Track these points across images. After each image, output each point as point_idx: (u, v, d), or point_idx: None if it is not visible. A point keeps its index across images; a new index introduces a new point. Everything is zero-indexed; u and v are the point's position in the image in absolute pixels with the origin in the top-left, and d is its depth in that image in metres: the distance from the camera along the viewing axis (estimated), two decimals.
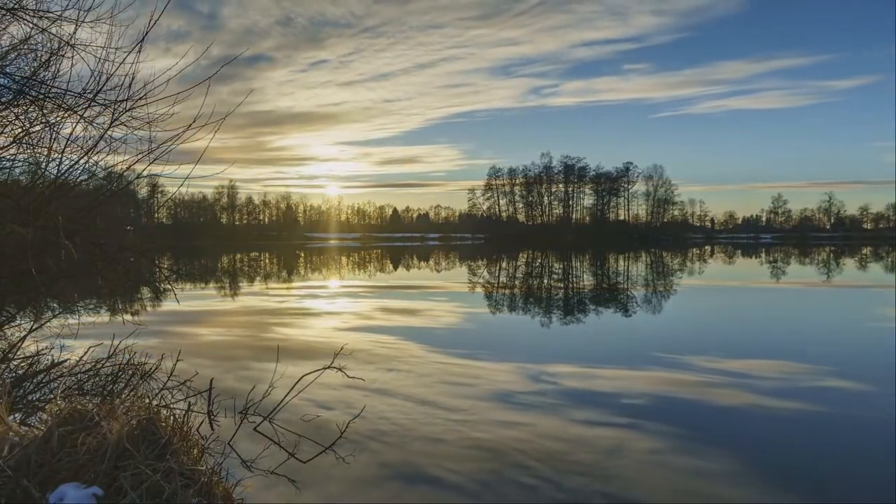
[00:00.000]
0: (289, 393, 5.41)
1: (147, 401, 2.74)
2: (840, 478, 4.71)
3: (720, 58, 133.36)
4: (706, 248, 69.20)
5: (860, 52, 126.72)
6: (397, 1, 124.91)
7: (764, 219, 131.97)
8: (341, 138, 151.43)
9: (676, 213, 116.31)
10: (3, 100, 5.04)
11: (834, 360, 8.65)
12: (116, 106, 4.73)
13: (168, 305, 14.89)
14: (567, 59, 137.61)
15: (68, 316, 7.38)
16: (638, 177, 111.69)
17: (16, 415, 4.35)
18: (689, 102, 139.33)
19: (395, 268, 34.29)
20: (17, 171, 5.94)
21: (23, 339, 6.07)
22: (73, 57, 4.87)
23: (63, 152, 4.92)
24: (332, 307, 15.43)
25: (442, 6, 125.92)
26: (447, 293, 19.31)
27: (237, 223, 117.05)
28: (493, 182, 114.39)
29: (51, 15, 4.92)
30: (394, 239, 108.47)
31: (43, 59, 5.10)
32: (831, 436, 5.66)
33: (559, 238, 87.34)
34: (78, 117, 4.83)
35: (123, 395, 2.75)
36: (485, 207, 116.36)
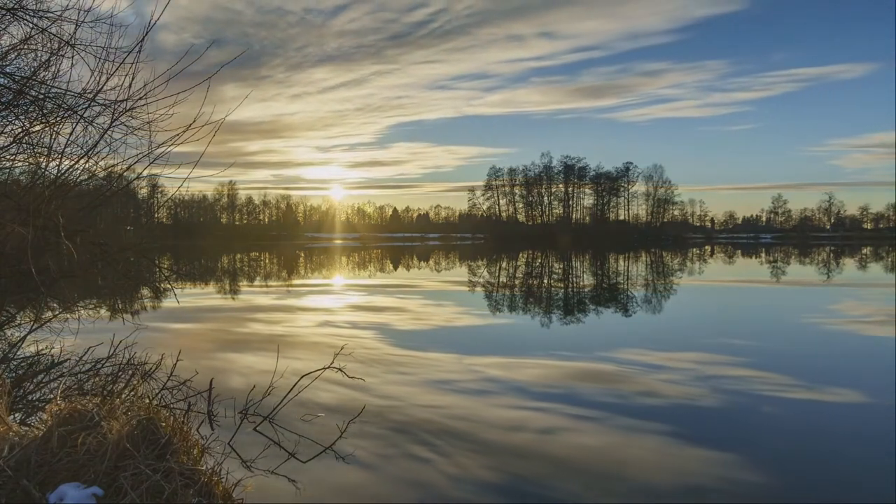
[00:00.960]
0: (289, 393, 5.41)
1: (147, 401, 2.74)
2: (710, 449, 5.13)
3: (623, 74, 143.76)
4: (706, 248, 69.19)
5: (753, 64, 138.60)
6: (309, 25, 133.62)
7: (764, 219, 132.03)
8: (309, 144, 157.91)
9: (676, 213, 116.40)
10: (3, 100, 5.05)
11: (761, 355, 9.05)
12: (116, 106, 4.73)
13: (168, 305, 14.89)
14: (490, 74, 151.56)
15: (68, 316, 7.38)
16: (638, 177, 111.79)
17: (16, 415, 4.35)
18: (612, 110, 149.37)
19: (396, 268, 34.29)
20: (17, 171, 5.95)
21: (23, 339, 6.07)
22: (73, 57, 4.87)
23: (63, 152, 4.92)
24: (331, 307, 15.43)
25: (352, 30, 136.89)
26: (447, 293, 19.33)
27: (237, 223, 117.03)
28: (494, 182, 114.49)
29: (51, 15, 4.93)
30: (394, 239, 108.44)
31: (43, 59, 5.10)
32: (718, 417, 6.10)
33: (557, 238, 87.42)
34: (78, 117, 4.83)
35: (123, 395, 2.75)
36: (485, 207, 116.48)
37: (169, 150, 4.90)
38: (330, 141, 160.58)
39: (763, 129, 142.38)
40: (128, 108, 4.75)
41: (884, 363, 8.72)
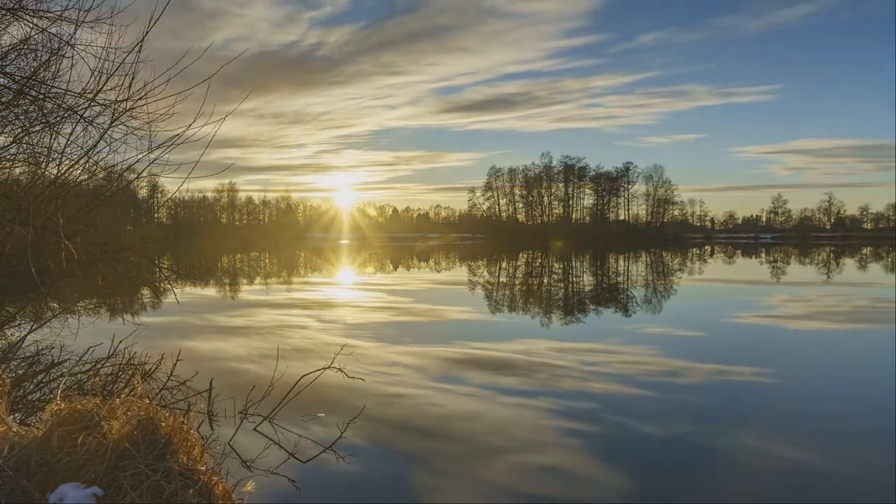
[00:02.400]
0: (289, 393, 5.41)
1: (147, 401, 2.74)
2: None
3: (506, 93, 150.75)
4: (706, 247, 69.16)
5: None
6: (206, 55, 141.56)
7: (764, 219, 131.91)
8: (264, 153, 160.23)
9: (676, 213, 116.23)
10: (3, 100, 5.04)
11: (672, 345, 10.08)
12: (116, 106, 4.73)
13: (168, 305, 14.89)
14: (387, 94, 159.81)
15: (68, 316, 7.39)
16: (638, 177, 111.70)
17: (16, 415, 4.35)
18: (517, 120, 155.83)
19: (395, 268, 34.29)
20: (17, 171, 5.95)
21: (23, 339, 6.07)
22: (73, 57, 4.87)
23: (63, 152, 4.92)
24: (331, 306, 15.43)
25: (246, 58, 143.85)
26: (448, 293, 19.35)
27: (237, 223, 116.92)
28: (493, 182, 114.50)
29: (51, 15, 4.92)
30: (394, 238, 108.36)
31: (43, 59, 5.10)
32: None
33: (553, 239, 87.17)
34: (78, 117, 4.83)
35: (123, 395, 2.74)
36: (485, 207, 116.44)
37: (169, 150, 4.90)
38: (283, 151, 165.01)
39: (678, 141, 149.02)
40: (128, 108, 4.74)
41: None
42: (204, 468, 2.50)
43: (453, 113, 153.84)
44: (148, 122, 4.90)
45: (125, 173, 5.34)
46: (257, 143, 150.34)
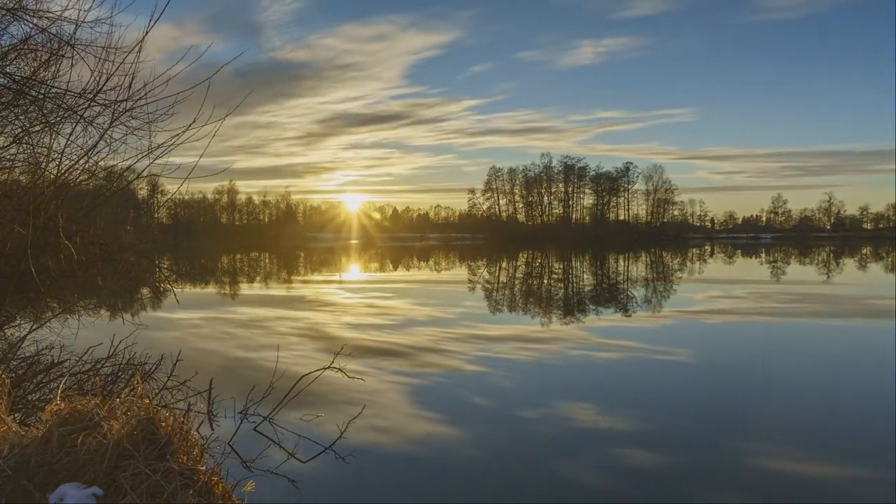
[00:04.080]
0: (289, 393, 5.41)
1: (147, 401, 2.74)
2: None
3: (404, 108, 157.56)
4: (706, 247, 69.15)
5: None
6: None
7: (764, 219, 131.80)
8: (234, 163, 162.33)
9: (676, 213, 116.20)
10: (3, 100, 5.04)
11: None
12: (116, 106, 4.73)
13: (168, 305, 14.88)
14: (296, 114, 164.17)
15: (68, 316, 7.38)
16: (638, 177, 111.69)
17: (16, 415, 4.35)
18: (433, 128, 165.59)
19: (395, 268, 34.29)
20: (17, 171, 5.94)
21: (23, 339, 6.07)
22: (73, 57, 4.87)
23: (63, 152, 4.92)
24: (330, 306, 15.43)
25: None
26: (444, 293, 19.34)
27: (237, 223, 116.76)
28: (493, 182, 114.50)
29: (51, 15, 4.92)
30: (395, 238, 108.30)
31: (43, 59, 5.09)
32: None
33: (550, 240, 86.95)
34: (78, 117, 4.82)
35: (123, 395, 2.74)
36: (485, 207, 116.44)
37: (169, 150, 4.91)
38: (253, 159, 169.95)
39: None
40: (128, 108, 4.75)
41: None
42: (204, 468, 2.50)
43: (364, 126, 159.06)
44: (148, 123, 4.90)
45: (125, 173, 5.34)
46: (218, 148, 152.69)
